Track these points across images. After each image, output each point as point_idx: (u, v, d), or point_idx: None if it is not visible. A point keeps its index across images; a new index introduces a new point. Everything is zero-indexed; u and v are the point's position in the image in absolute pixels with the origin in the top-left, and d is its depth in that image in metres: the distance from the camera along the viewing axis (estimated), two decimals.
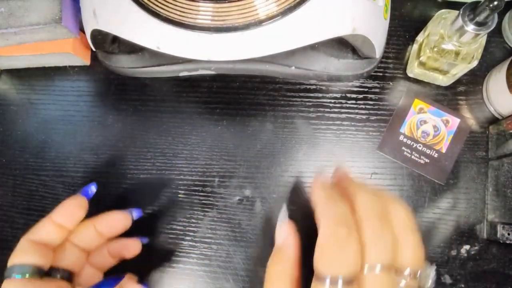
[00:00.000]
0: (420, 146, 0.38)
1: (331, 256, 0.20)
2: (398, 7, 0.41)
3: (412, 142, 0.38)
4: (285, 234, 0.24)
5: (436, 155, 0.37)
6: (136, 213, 0.35)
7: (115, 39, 0.35)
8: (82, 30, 0.38)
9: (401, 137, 0.38)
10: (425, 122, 0.38)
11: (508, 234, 0.35)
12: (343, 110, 0.39)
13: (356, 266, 0.20)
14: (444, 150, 0.37)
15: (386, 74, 0.40)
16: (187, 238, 0.38)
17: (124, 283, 0.30)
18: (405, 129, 0.38)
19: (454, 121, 0.38)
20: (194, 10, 0.27)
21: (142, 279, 0.37)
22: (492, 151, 0.38)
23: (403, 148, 0.38)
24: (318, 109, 0.40)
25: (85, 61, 0.41)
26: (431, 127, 0.38)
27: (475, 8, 0.30)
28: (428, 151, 0.37)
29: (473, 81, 0.39)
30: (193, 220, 0.38)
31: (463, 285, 0.37)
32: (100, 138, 0.40)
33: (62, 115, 0.41)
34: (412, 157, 0.37)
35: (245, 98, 0.40)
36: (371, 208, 0.22)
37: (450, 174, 0.38)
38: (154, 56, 0.35)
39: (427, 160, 0.37)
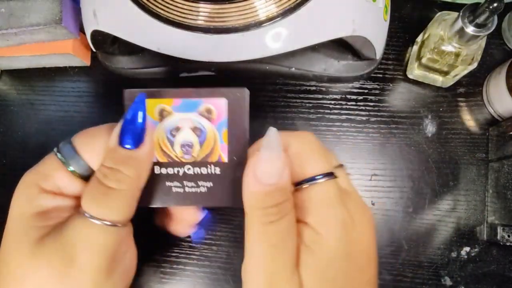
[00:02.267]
0: (188, 169, 0.24)
1: None
2: (398, 8, 0.41)
3: (175, 169, 0.25)
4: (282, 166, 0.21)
5: (218, 171, 0.24)
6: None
7: (115, 40, 0.35)
8: (82, 31, 0.38)
9: (157, 170, 0.25)
10: (177, 129, 0.24)
11: (508, 236, 0.35)
12: (343, 112, 0.39)
13: None
14: (226, 159, 0.24)
15: (386, 76, 0.40)
16: (187, 239, 0.38)
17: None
18: (155, 154, 0.25)
19: (219, 105, 0.24)
20: (194, 11, 0.27)
21: (142, 279, 0.37)
22: (492, 152, 0.38)
23: (167, 183, 0.25)
24: (318, 110, 0.39)
25: (85, 62, 0.41)
26: (191, 133, 0.24)
27: (475, 10, 0.30)
28: (204, 171, 0.24)
29: (473, 82, 0.39)
30: None
31: (463, 287, 0.37)
32: None
33: (62, 115, 0.41)
34: (187, 189, 0.25)
35: None
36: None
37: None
38: (154, 57, 0.35)
39: (209, 184, 0.25)
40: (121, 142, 0.22)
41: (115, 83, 0.41)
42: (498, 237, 0.35)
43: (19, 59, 0.40)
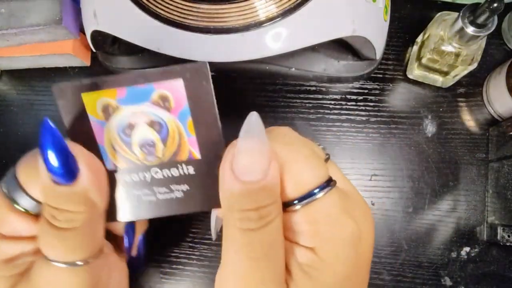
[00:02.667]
0: (156, 172, 0.20)
1: None
2: (398, 8, 0.41)
3: (141, 174, 0.20)
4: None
5: (191, 171, 0.20)
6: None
7: (115, 40, 0.35)
8: (82, 31, 0.38)
9: (118, 177, 0.20)
10: (131, 126, 0.19)
11: (508, 236, 0.35)
12: (343, 112, 0.39)
13: None
14: (198, 154, 0.19)
15: (386, 76, 0.40)
16: (187, 239, 0.38)
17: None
18: (111, 160, 0.20)
19: (176, 89, 0.19)
20: (194, 11, 0.27)
21: (142, 279, 0.37)
22: (492, 152, 0.38)
23: (135, 192, 0.20)
24: (318, 110, 0.39)
25: (85, 62, 0.41)
26: (148, 130, 0.19)
27: (475, 10, 0.30)
28: (175, 172, 0.20)
29: (473, 83, 0.39)
30: (193, 221, 0.38)
31: (463, 287, 0.37)
32: None
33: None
34: (159, 196, 0.20)
35: (244, 99, 0.40)
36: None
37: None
38: (154, 57, 0.35)
39: (184, 188, 0.20)
40: (53, 178, 0.18)
41: None
42: (498, 237, 0.35)
43: (19, 59, 0.40)
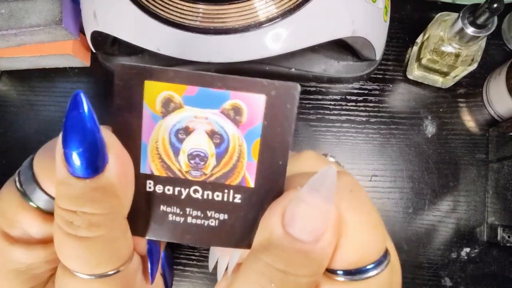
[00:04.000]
0: (195, 191, 0.17)
1: None
2: (398, 9, 0.41)
3: (177, 189, 0.17)
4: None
5: (238, 199, 0.17)
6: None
7: (115, 41, 0.35)
8: (82, 31, 0.38)
9: (150, 186, 0.17)
10: (187, 130, 0.17)
11: (509, 237, 0.35)
12: (343, 112, 0.39)
13: None
14: (252, 183, 0.17)
15: (386, 76, 0.40)
16: None
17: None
18: (149, 164, 0.17)
19: (254, 103, 0.16)
20: (194, 12, 0.27)
21: None
22: (492, 153, 0.38)
23: (163, 208, 0.17)
24: (318, 111, 0.39)
25: (85, 62, 0.41)
26: (206, 139, 0.17)
27: (475, 11, 0.30)
28: (218, 197, 0.17)
29: (473, 83, 0.39)
30: None
31: None
32: None
33: (62, 116, 0.41)
34: (189, 220, 0.17)
35: None
36: None
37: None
38: (154, 58, 0.35)
39: (223, 217, 0.17)
40: (72, 171, 0.14)
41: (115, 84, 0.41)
42: (498, 238, 0.35)
43: (19, 60, 0.40)
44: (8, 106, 0.42)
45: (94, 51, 0.36)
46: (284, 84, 0.16)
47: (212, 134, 0.16)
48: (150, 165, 0.17)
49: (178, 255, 0.38)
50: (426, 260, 0.37)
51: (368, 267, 0.15)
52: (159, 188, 0.17)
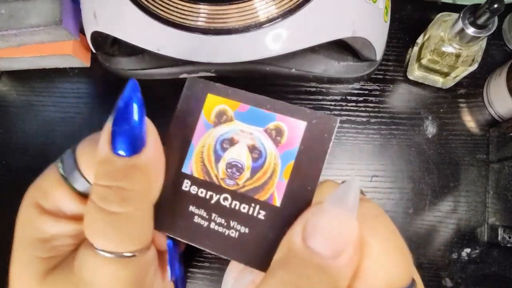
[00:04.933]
0: (225, 199, 0.18)
1: None
2: (399, 9, 0.41)
3: (209, 193, 0.18)
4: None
5: (262, 216, 0.18)
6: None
7: (115, 41, 0.35)
8: (82, 32, 0.38)
9: (186, 185, 0.19)
10: (232, 141, 0.18)
11: (509, 238, 0.34)
12: (343, 113, 0.39)
13: None
14: (278, 202, 0.18)
15: (387, 77, 0.40)
16: None
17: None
18: (191, 165, 0.19)
19: (295, 128, 0.18)
20: (194, 12, 0.27)
21: None
22: (493, 154, 0.38)
23: (191, 208, 0.18)
24: (318, 111, 0.39)
25: (85, 63, 0.41)
26: (245, 152, 0.18)
27: (476, 11, 0.30)
28: (244, 209, 0.18)
29: (474, 83, 0.39)
30: None
31: None
32: None
33: (62, 117, 0.41)
34: (212, 226, 0.18)
35: None
36: None
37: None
38: (154, 58, 0.35)
39: (244, 230, 0.18)
40: (115, 148, 0.16)
41: (115, 84, 0.41)
42: (499, 238, 0.35)
43: (19, 60, 0.40)
44: (8, 106, 0.42)
45: (94, 51, 0.36)
46: (325, 115, 0.18)
47: (252, 149, 0.18)
48: (192, 166, 0.19)
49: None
50: (426, 261, 0.37)
51: None
52: (193, 189, 0.19)
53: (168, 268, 0.22)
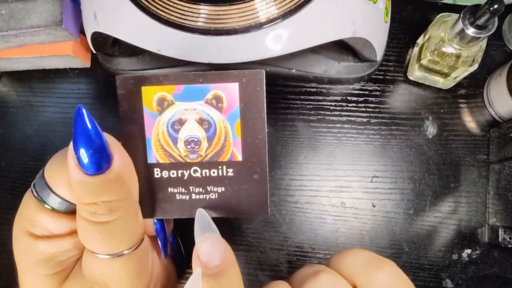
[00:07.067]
0: (195, 171, 0.20)
1: None
2: (399, 10, 0.41)
3: (180, 171, 0.20)
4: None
5: (230, 173, 0.20)
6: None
7: (116, 42, 0.35)
8: (82, 32, 0.38)
9: (157, 173, 0.21)
10: (181, 121, 0.20)
11: (510, 238, 0.34)
12: (343, 113, 0.39)
13: None
14: (240, 157, 0.20)
15: (387, 77, 0.40)
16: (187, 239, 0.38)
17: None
18: (154, 154, 0.21)
19: (230, 91, 0.20)
20: (194, 12, 0.27)
21: None
22: (493, 154, 0.38)
23: (170, 189, 0.21)
24: (319, 112, 0.39)
25: (86, 63, 0.41)
26: (197, 126, 0.20)
27: (476, 12, 0.30)
28: (214, 173, 0.20)
29: (474, 84, 0.39)
30: (191, 222, 0.38)
31: None
32: None
33: (62, 117, 0.41)
34: (193, 196, 0.20)
35: None
36: None
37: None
38: (155, 59, 0.35)
39: (221, 190, 0.20)
40: (87, 170, 0.18)
41: (115, 85, 0.41)
42: (500, 239, 0.35)
43: (19, 61, 0.40)
44: (8, 107, 0.42)
45: (94, 52, 0.36)
46: (252, 71, 0.20)
47: (201, 122, 0.20)
48: (155, 155, 0.20)
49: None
50: (427, 262, 0.37)
51: None
52: (165, 174, 0.20)
53: (161, 247, 0.24)
